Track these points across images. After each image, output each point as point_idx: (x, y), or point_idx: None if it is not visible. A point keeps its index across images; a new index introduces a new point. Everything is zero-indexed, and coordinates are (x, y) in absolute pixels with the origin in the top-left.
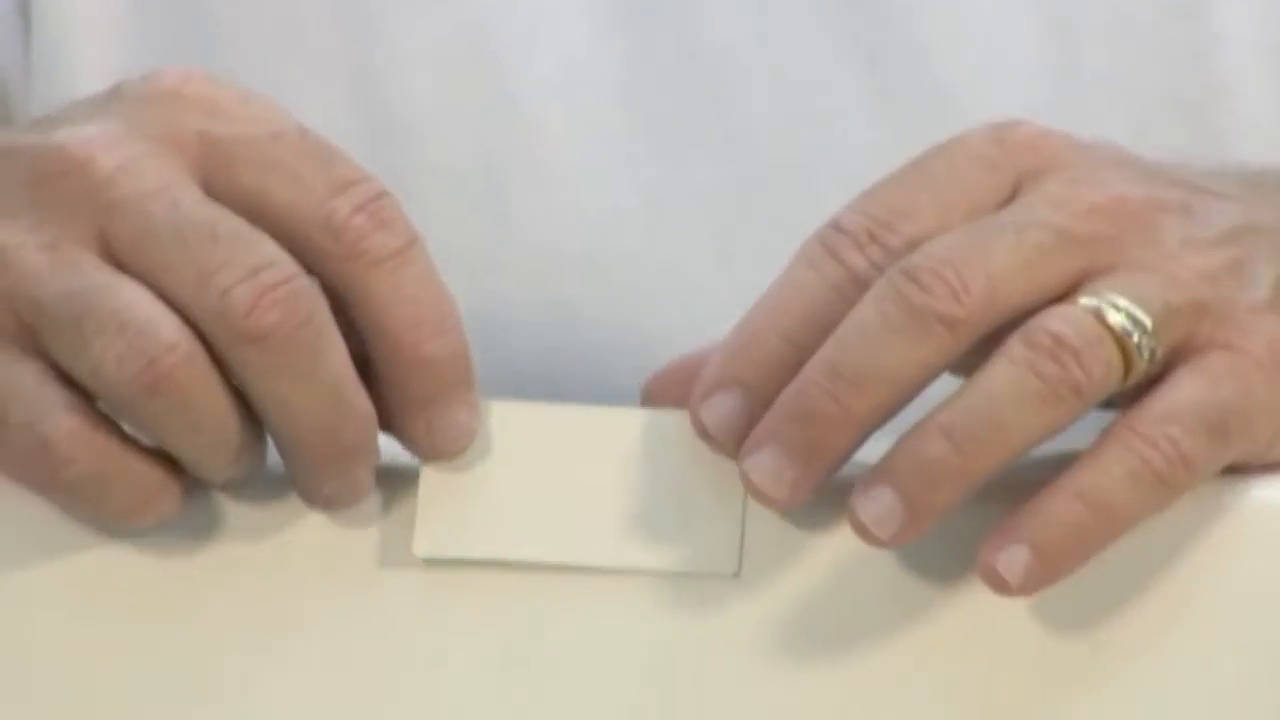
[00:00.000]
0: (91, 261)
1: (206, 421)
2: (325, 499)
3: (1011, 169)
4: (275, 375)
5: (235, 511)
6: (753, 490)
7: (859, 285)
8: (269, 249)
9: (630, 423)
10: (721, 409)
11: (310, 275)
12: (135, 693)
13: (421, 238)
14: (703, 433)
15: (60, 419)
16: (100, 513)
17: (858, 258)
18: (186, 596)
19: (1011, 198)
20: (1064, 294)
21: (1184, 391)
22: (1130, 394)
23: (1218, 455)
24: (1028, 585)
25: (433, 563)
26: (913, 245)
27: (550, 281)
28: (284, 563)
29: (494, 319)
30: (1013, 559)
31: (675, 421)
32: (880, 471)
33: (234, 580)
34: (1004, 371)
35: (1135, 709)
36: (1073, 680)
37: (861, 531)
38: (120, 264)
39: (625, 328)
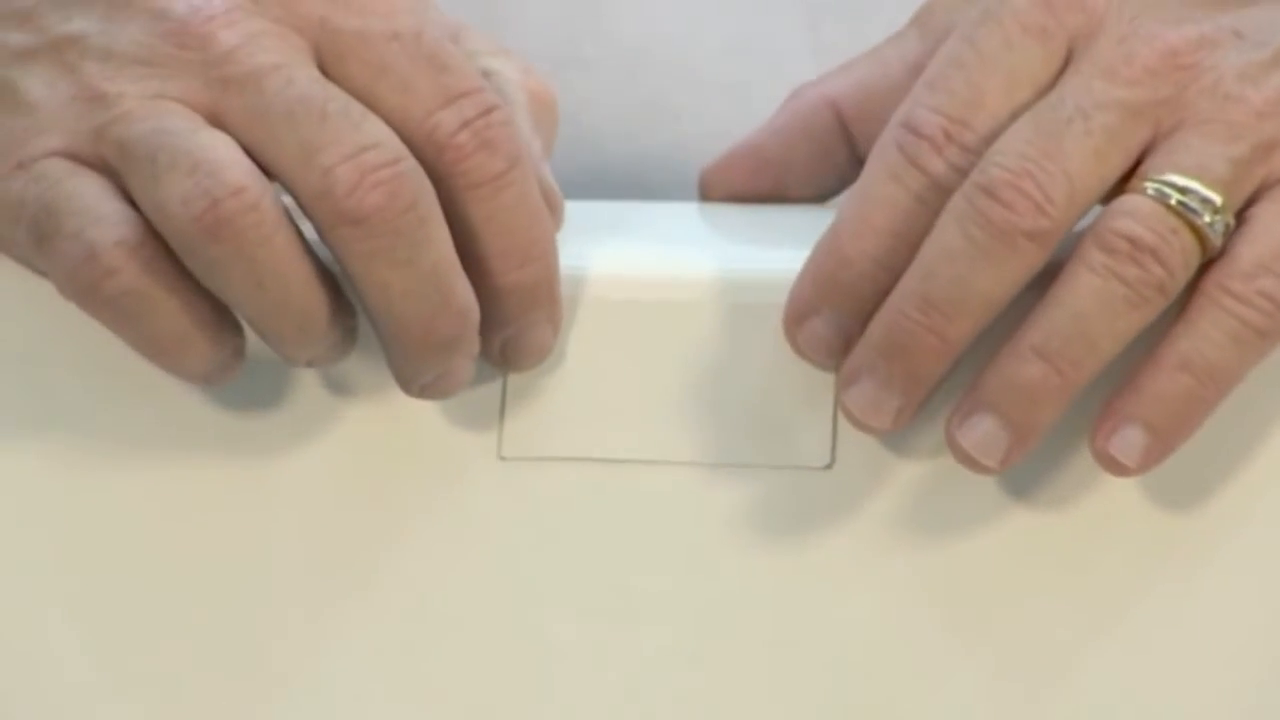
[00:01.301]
0: (183, 110)
1: (271, 279)
2: (421, 388)
3: (1062, 33)
4: (374, 259)
5: (324, 405)
6: (855, 421)
7: (941, 191)
8: (377, 129)
9: (718, 316)
10: (817, 334)
11: None
12: (227, 585)
13: (525, 156)
14: (799, 352)
15: (110, 230)
16: (141, 337)
17: (937, 162)
18: (277, 491)
19: (1066, 63)
20: (1132, 168)
21: (1267, 235)
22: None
23: None
24: (1146, 464)
25: (518, 461)
26: (987, 140)
27: (641, 79)
28: (371, 460)
29: (584, 120)
30: (1128, 441)
31: (764, 314)
32: (977, 399)
33: (319, 476)
34: (1087, 282)
35: (1238, 580)
36: (1177, 556)
37: (966, 460)
38: (226, 131)
39: (717, 122)
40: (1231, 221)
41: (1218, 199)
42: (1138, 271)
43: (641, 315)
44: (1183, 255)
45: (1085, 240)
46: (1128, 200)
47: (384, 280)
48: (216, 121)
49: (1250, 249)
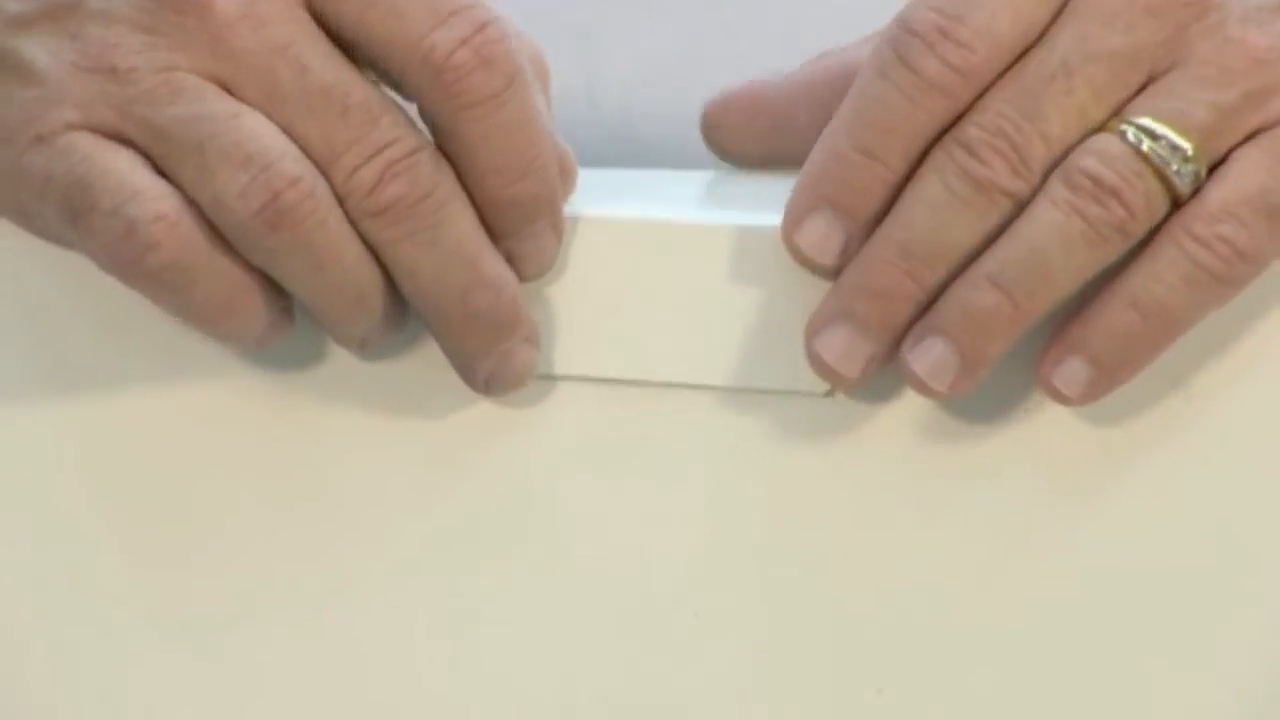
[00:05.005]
0: (211, 90)
1: (329, 261)
2: (486, 381)
3: None
4: (401, 245)
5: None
6: (823, 370)
7: (932, 90)
8: (393, 123)
9: (721, 239)
10: (815, 233)
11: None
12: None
13: (523, 72)
14: (799, 258)
15: (148, 205)
16: (185, 308)
17: (929, 61)
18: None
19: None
20: (1120, 110)
21: (1241, 180)
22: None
23: None
24: (1088, 397)
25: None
26: (981, 35)
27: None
28: (389, 383)
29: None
30: (1071, 372)
31: (767, 238)
32: (931, 323)
33: (346, 394)
34: (1047, 216)
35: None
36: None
37: (916, 383)
38: (244, 101)
39: None
40: (1202, 170)
41: (1189, 147)
42: (1099, 210)
43: (647, 235)
44: (1146, 199)
45: (1053, 175)
46: (1099, 140)
47: (414, 263)
48: (225, 90)
49: (1219, 193)
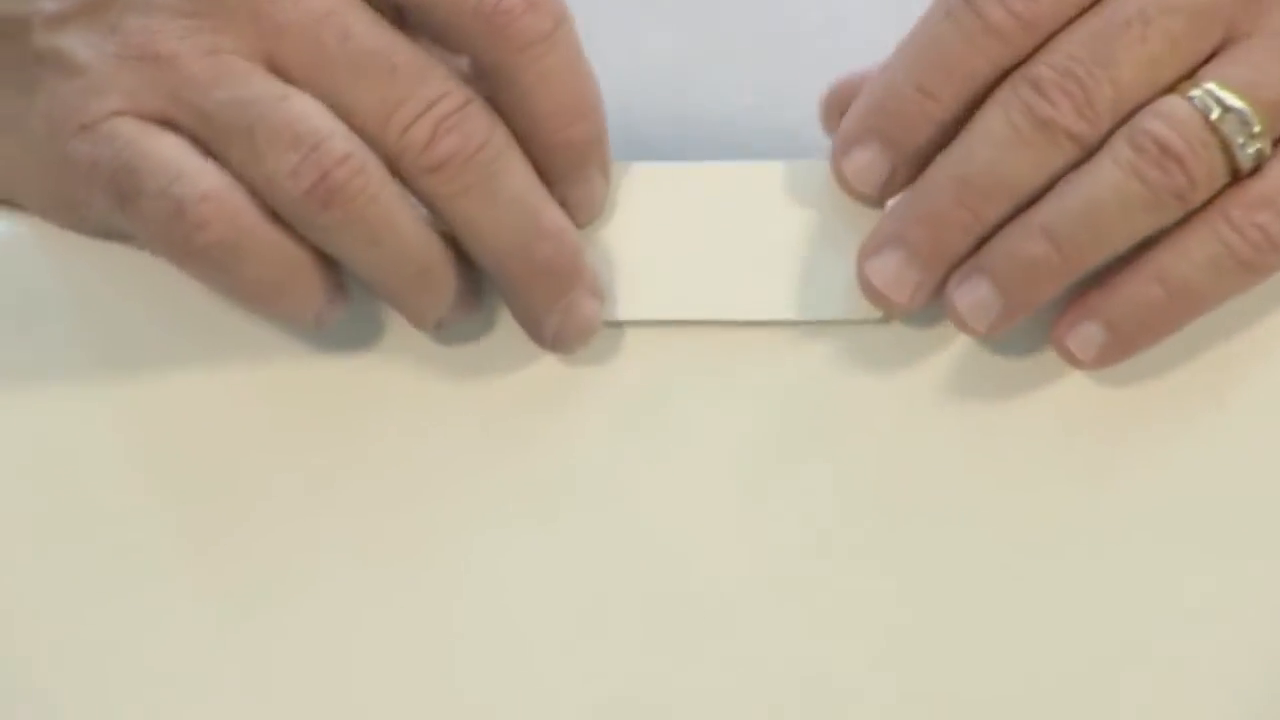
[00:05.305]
0: (258, 72)
1: (384, 235)
2: (554, 335)
3: None
4: (460, 200)
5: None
6: (872, 294)
7: (993, 35)
8: (442, 78)
9: (771, 175)
10: (860, 161)
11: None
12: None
13: (570, 17)
14: (844, 185)
15: (195, 184)
16: (236, 287)
17: (994, 6)
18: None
19: None
20: (1197, 68)
21: None
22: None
23: None
24: (1100, 362)
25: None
26: None
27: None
28: (443, 353)
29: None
30: (1087, 337)
31: (817, 171)
32: (978, 263)
33: (402, 362)
34: (1108, 174)
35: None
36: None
37: (956, 319)
38: (289, 82)
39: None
40: (1267, 149)
41: (1257, 125)
42: (1160, 175)
43: (696, 177)
44: (1209, 169)
45: (1119, 134)
46: (1168, 103)
47: (474, 218)
48: (272, 68)
49: (1265, 181)
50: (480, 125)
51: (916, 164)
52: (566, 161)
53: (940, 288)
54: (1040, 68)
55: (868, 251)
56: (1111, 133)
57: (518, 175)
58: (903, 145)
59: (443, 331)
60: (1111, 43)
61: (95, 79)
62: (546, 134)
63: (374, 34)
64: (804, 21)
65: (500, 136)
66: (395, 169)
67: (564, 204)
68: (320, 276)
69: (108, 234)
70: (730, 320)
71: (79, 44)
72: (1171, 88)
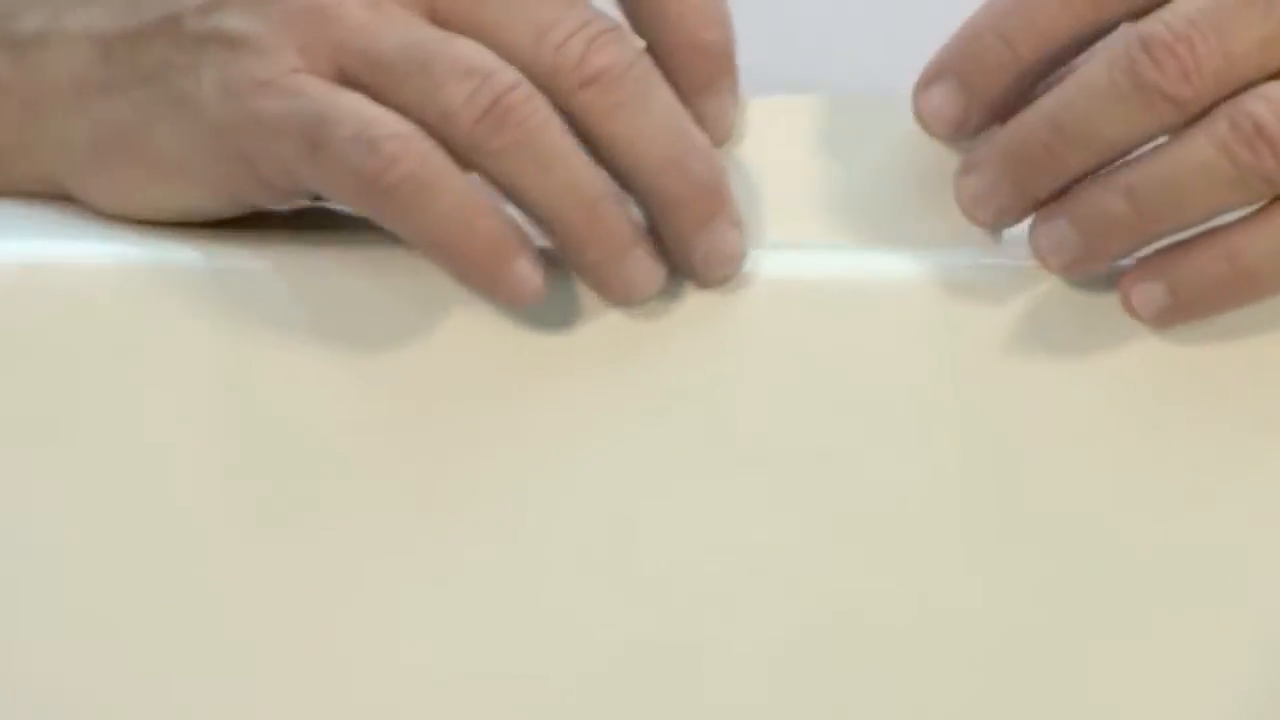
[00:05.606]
0: (418, 19)
1: (555, 160)
2: (702, 262)
3: None
4: (616, 113)
5: None
6: (962, 206)
7: (1091, 2)
8: (588, 6)
9: (879, 109)
10: (935, 100)
11: None
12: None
13: None
14: (921, 122)
15: (385, 126)
16: (426, 225)
17: None
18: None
19: None
20: None
21: None
22: None
23: None
24: (1160, 323)
25: None
26: None
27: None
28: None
29: None
30: (1150, 295)
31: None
32: (1064, 205)
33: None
34: (1200, 147)
35: None
36: None
37: (1038, 254)
38: (447, 27)
39: None
40: None
41: None
42: (1250, 157)
43: (810, 111)
44: None
45: (1220, 110)
46: (1275, 87)
47: (629, 132)
48: (432, 13)
49: None
50: (628, 45)
51: (991, 110)
52: (702, 69)
53: (1025, 214)
54: (1156, 25)
55: (964, 168)
56: (1213, 106)
57: (665, 92)
58: (976, 88)
59: (636, 298)
60: (1231, 15)
61: (265, 42)
62: (684, 38)
63: None
64: (803, 21)
65: (646, 58)
66: (551, 89)
67: (699, 119)
68: (507, 225)
69: (286, 189)
70: (868, 247)
71: (238, 19)
72: (1279, 74)
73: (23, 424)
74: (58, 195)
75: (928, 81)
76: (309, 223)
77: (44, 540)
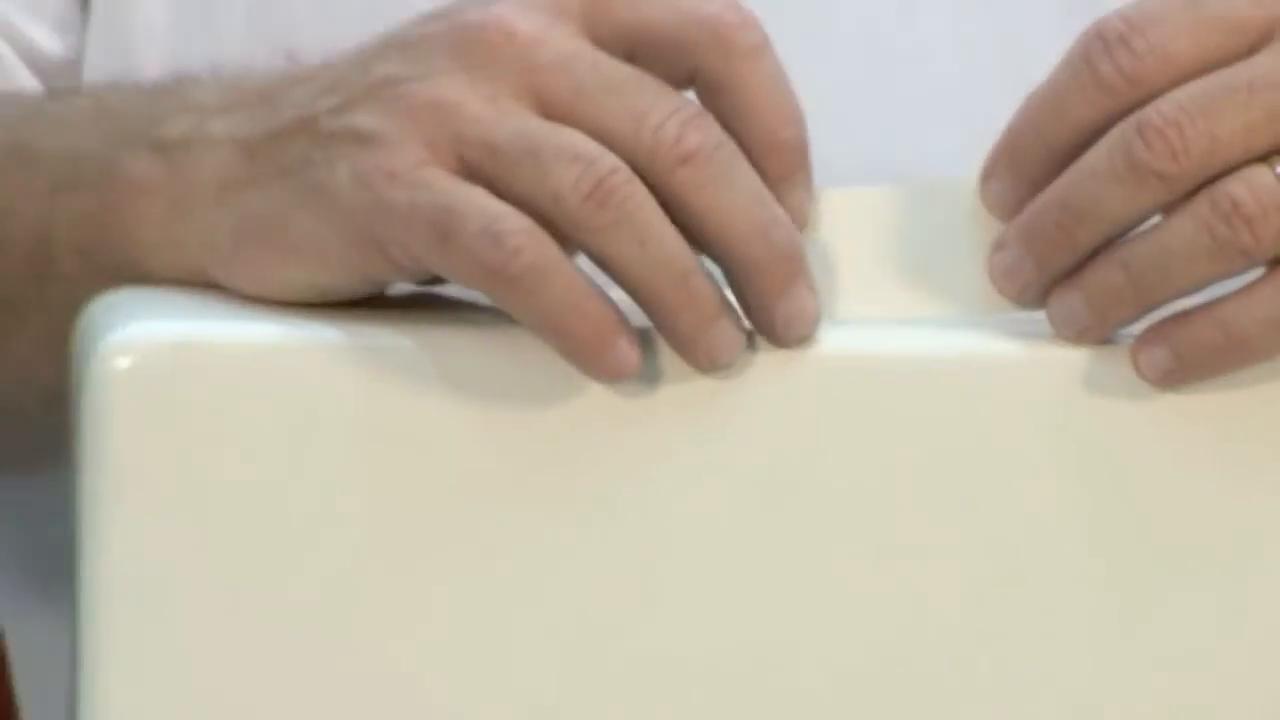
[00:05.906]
0: (529, 112)
1: (650, 237)
2: (783, 325)
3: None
4: (709, 188)
5: None
6: (995, 282)
7: (1101, 88)
8: (676, 93)
9: (938, 197)
10: (992, 191)
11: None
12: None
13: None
14: (987, 208)
15: (510, 221)
16: (540, 310)
17: (1104, 62)
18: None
19: (1271, 33)
20: None
21: None
22: None
23: None
24: (1166, 383)
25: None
26: (1154, 50)
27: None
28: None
29: None
30: (1155, 358)
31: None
32: (1075, 279)
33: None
34: (1182, 225)
35: None
36: None
37: (1053, 324)
38: (553, 118)
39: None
40: None
41: None
42: (1227, 232)
43: (877, 200)
44: (1276, 232)
45: (1204, 192)
46: (1254, 170)
47: (719, 203)
48: (539, 105)
49: None
50: (717, 127)
51: (1037, 192)
52: (782, 164)
53: (1047, 289)
54: (1150, 113)
55: (996, 246)
56: (1201, 185)
57: (750, 170)
58: (1022, 180)
59: (719, 364)
60: (1218, 101)
61: (393, 136)
62: (765, 135)
63: (617, 65)
64: (804, 25)
65: (730, 141)
66: (650, 169)
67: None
68: (611, 309)
69: (413, 272)
70: (916, 318)
71: (368, 117)
72: (1263, 158)
73: (179, 491)
74: (203, 284)
75: (985, 175)
76: (417, 300)
77: (195, 610)
